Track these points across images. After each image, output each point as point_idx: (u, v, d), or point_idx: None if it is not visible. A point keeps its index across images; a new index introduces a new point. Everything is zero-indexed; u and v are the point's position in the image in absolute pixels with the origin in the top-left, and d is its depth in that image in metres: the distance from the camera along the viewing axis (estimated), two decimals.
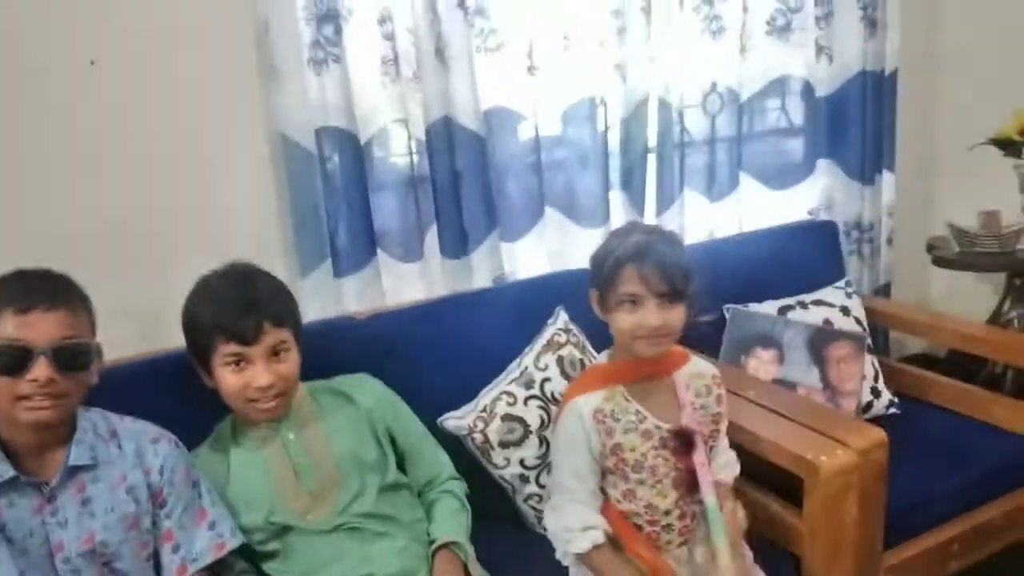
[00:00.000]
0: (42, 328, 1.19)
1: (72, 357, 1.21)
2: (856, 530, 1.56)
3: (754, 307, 2.12)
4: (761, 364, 2.04)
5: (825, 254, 2.35)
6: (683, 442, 1.42)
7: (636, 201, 2.19)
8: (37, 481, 1.23)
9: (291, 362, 1.41)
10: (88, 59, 1.65)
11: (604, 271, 1.43)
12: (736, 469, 1.56)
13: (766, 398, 1.77)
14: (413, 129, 1.91)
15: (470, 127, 1.93)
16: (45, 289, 1.22)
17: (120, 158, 1.70)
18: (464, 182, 1.95)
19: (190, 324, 1.41)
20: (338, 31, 1.78)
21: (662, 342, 1.41)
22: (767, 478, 1.65)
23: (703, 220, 2.36)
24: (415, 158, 1.94)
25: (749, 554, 1.51)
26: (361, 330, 1.78)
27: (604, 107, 2.14)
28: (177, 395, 1.49)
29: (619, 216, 2.19)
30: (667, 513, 1.43)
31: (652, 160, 2.22)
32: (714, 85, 2.30)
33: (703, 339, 2.04)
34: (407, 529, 1.48)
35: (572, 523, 1.42)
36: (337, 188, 1.84)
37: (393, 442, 1.56)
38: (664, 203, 2.25)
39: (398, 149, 1.93)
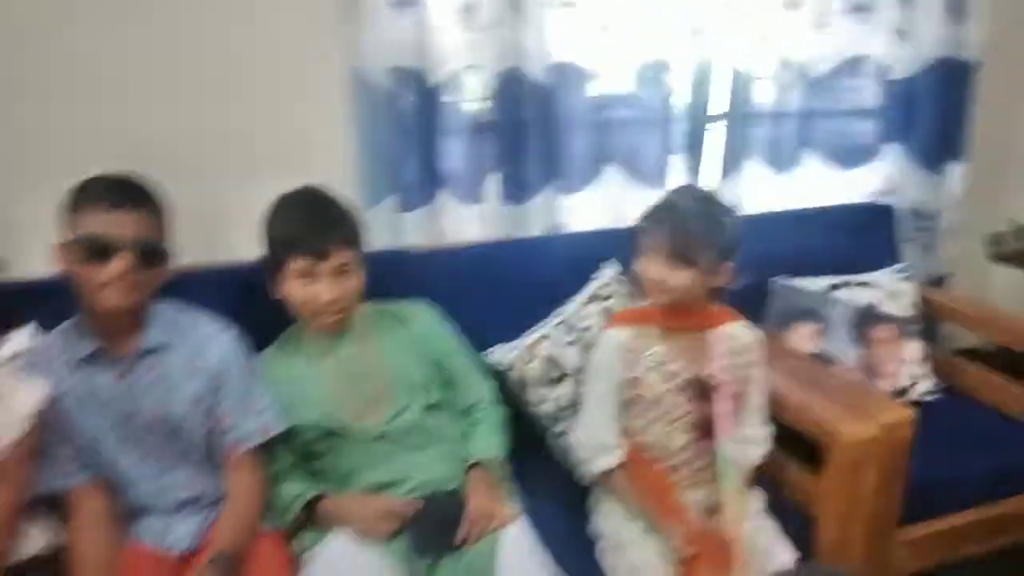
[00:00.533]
0: (125, 226, 1.34)
1: (149, 254, 1.37)
2: (872, 500, 1.62)
3: (802, 282, 2.15)
4: (802, 337, 2.07)
5: (881, 238, 2.36)
6: (702, 390, 1.49)
7: (696, 166, 2.23)
8: (118, 357, 1.40)
9: (354, 281, 1.52)
10: None
11: (638, 224, 1.52)
12: (762, 449, 1.61)
13: (801, 369, 1.82)
14: (484, 76, 1.98)
15: (538, 79, 1.99)
16: (130, 192, 1.38)
17: (201, 82, 1.81)
18: (529, 132, 2.02)
19: (267, 238, 1.52)
20: None
21: (660, 296, 1.52)
22: (795, 444, 1.71)
23: (763, 192, 2.37)
24: (483, 104, 2.01)
25: (757, 504, 1.58)
26: (418, 262, 1.88)
27: (672, 71, 2.16)
28: (239, 302, 1.61)
29: (678, 179, 2.23)
30: (678, 452, 1.51)
31: (716, 127, 2.25)
32: (786, 59, 2.30)
33: (746, 307, 2.10)
34: (445, 445, 1.58)
35: (590, 444, 1.52)
36: (407, 127, 1.92)
37: (441, 367, 1.66)
38: (725, 171, 2.28)
39: (467, 95, 1.99)
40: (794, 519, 1.64)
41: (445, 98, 1.97)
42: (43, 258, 1.38)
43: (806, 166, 2.40)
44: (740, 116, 2.25)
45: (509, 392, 1.81)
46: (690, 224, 1.49)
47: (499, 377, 1.80)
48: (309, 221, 1.48)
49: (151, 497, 1.45)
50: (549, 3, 1.96)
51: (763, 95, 2.32)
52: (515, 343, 1.84)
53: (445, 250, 1.96)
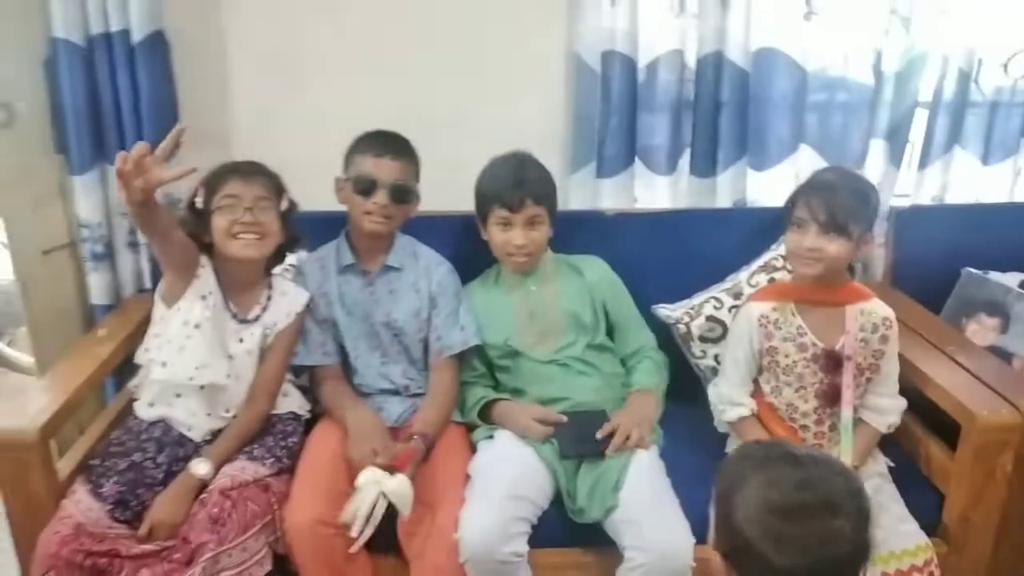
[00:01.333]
0: (387, 170, 1.81)
1: (402, 194, 1.83)
2: (1008, 488, 1.67)
3: (994, 275, 2.14)
4: (982, 329, 2.09)
5: None
6: (833, 362, 1.65)
7: (896, 153, 2.27)
8: (366, 269, 1.89)
9: (542, 232, 1.86)
10: None
11: (790, 199, 1.70)
12: (891, 420, 1.74)
13: (962, 355, 1.87)
14: (687, 59, 2.20)
15: (738, 63, 2.16)
16: (393, 144, 1.84)
17: (449, 61, 2.21)
18: (724, 111, 2.21)
19: (477, 191, 1.90)
20: None
21: (814, 265, 1.66)
22: (943, 423, 1.79)
23: (970, 182, 2.36)
24: (685, 85, 2.22)
25: (878, 468, 1.71)
26: (609, 224, 2.16)
27: (880, 56, 2.22)
28: (457, 242, 2.02)
29: (876, 163, 2.29)
30: (805, 415, 1.68)
31: (923, 114, 2.27)
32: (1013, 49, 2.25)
33: (930, 296, 2.16)
34: (605, 378, 1.89)
35: (724, 398, 1.74)
36: (612, 103, 2.19)
37: (608, 313, 1.95)
38: (928, 159, 2.31)
39: (671, 75, 2.22)
40: (921, 492, 1.75)
41: (649, 78, 2.21)
42: (319, 198, 1.85)
43: (1020, 158, 2.34)
44: (945, 104, 2.26)
45: (675, 344, 2.06)
46: (842, 195, 1.65)
47: (666, 330, 2.06)
48: (510, 180, 1.83)
49: (373, 381, 1.91)
50: None
51: (983, 83, 2.30)
52: (684, 302, 2.08)
53: (633, 213, 2.23)
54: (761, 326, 1.71)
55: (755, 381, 1.78)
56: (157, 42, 2.06)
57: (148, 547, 1.57)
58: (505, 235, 1.85)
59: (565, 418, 1.78)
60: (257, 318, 1.81)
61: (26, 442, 1.56)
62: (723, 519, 1.05)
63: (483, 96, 2.24)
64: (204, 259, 1.77)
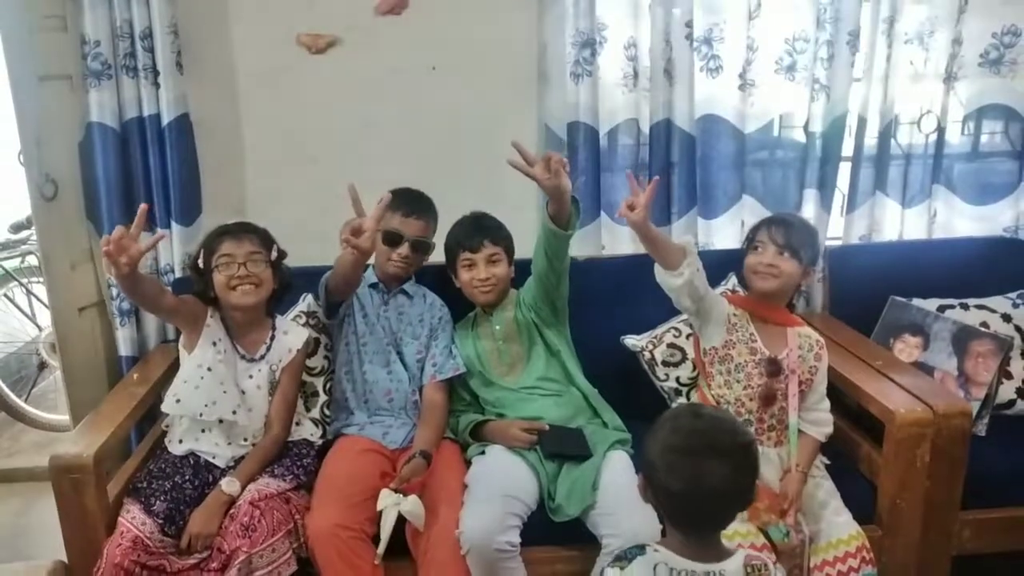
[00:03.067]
0: (411, 227, 2.17)
1: (421, 248, 2.19)
2: (928, 476, 1.96)
3: (917, 301, 2.47)
4: (906, 347, 2.40)
5: (1007, 269, 2.57)
6: (774, 368, 1.95)
7: (826, 200, 2.62)
8: (386, 291, 2.22)
9: (502, 268, 2.18)
10: (430, 66, 2.53)
11: (751, 231, 2.08)
12: (826, 430, 2.02)
13: (887, 368, 2.18)
14: (641, 126, 2.55)
15: (685, 128, 2.52)
16: (418, 205, 2.19)
17: (442, 139, 2.57)
18: (676, 169, 2.56)
19: (446, 246, 2.25)
20: (594, 53, 2.47)
21: (771, 280, 1.98)
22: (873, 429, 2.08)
23: (893, 224, 2.71)
24: (641, 148, 2.57)
25: (820, 468, 2.00)
26: (581, 268, 2.42)
27: (808, 119, 2.59)
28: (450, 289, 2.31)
29: (810, 210, 2.63)
30: (750, 412, 1.97)
31: (846, 167, 2.63)
32: (922, 108, 2.64)
33: (861, 321, 2.48)
34: (569, 396, 2.20)
35: None
36: (579, 166, 2.53)
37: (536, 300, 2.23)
38: (854, 204, 2.66)
39: (628, 140, 2.57)
40: (859, 486, 2.03)
41: (610, 144, 2.57)
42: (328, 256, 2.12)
43: (936, 200, 2.70)
44: (864, 157, 2.62)
45: (641, 370, 2.35)
46: (796, 227, 2.02)
47: (633, 358, 2.35)
48: (469, 228, 2.20)
49: (379, 398, 2.18)
50: (696, 69, 2.49)
51: (895, 140, 2.67)
52: (648, 332, 2.38)
53: (601, 259, 2.55)
54: (728, 320, 2.01)
55: (699, 376, 2.10)
56: (183, 124, 2.39)
57: (189, 561, 1.82)
58: (470, 273, 2.18)
59: (547, 426, 2.06)
60: (263, 356, 2.09)
61: (83, 465, 1.81)
62: (644, 451, 1.38)
63: (469, 163, 2.58)
64: (211, 310, 2.05)
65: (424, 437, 2.06)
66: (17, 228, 3.34)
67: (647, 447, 1.37)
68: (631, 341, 2.37)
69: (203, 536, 1.83)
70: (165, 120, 2.35)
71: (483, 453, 2.06)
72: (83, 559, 1.82)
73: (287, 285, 2.13)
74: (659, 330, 2.37)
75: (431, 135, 2.57)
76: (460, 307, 2.30)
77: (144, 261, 2.35)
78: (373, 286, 2.24)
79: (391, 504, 1.83)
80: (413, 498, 1.85)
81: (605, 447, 2.02)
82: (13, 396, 3.36)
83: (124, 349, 2.47)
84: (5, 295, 3.35)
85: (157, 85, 2.33)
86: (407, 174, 2.34)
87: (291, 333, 2.14)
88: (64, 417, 3.12)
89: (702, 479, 1.28)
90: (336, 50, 2.51)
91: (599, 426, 2.15)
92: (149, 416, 2.23)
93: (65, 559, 1.88)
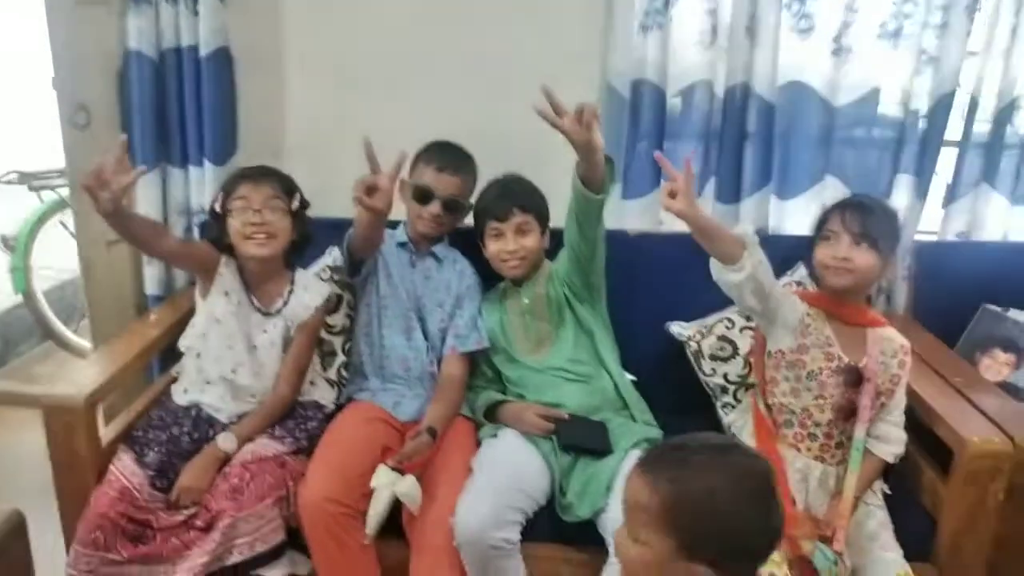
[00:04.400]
0: (443, 184, 1.99)
1: (454, 207, 2.02)
2: (1000, 516, 1.69)
3: (1014, 312, 2.15)
4: (995, 364, 2.10)
5: None
6: (853, 378, 1.70)
7: (922, 187, 2.30)
8: (414, 251, 2.07)
9: (532, 239, 1.98)
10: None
11: (821, 216, 1.79)
12: (897, 450, 1.77)
13: (967, 387, 1.89)
14: (715, 90, 2.29)
15: (765, 96, 2.24)
16: (453, 160, 2.02)
17: (496, 85, 2.35)
18: (751, 141, 2.28)
19: (474, 211, 2.06)
20: (667, 4, 2.21)
21: (845, 275, 1.70)
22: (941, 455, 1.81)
23: (997, 222, 2.37)
24: (713, 115, 2.31)
25: (876, 495, 1.75)
26: (632, 243, 2.25)
27: (909, 94, 2.27)
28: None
29: (901, 196, 2.32)
30: (818, 425, 1.73)
31: (949, 153, 2.31)
32: None
33: (946, 329, 2.19)
34: (595, 387, 2.00)
35: None
36: (640, 130, 2.30)
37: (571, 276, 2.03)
38: (954, 195, 2.33)
39: (698, 105, 2.31)
40: (917, 518, 1.77)
41: (677, 107, 2.31)
42: None
43: None
44: (981, 144, 2.29)
45: (685, 361, 2.13)
46: (875, 212, 1.72)
47: (678, 347, 2.13)
48: (497, 193, 2.00)
49: (396, 365, 2.04)
50: (783, 28, 2.20)
51: (1012, 126, 2.32)
52: (697, 321, 2.15)
53: (656, 235, 2.32)
54: (801, 321, 1.76)
55: (753, 378, 1.85)
56: (222, 57, 2.26)
57: (177, 517, 1.72)
58: (497, 244, 1.99)
59: (567, 415, 1.87)
60: (279, 311, 1.96)
61: (74, 407, 1.73)
62: (694, 501, 1.08)
63: (522, 117, 2.36)
64: (225, 259, 1.92)
65: (435, 413, 1.90)
66: None
67: (700, 498, 1.08)
68: (677, 329, 2.15)
69: (192, 490, 1.73)
70: (203, 52, 2.23)
71: (495, 436, 1.90)
72: (72, 505, 1.75)
73: (307, 237, 1.98)
74: (710, 320, 2.14)
75: (484, 83, 2.37)
76: (493, 275, 2.11)
77: (174, 204, 2.27)
78: (402, 245, 2.08)
79: (386, 483, 1.70)
80: (410, 479, 1.71)
81: (628, 444, 1.82)
82: (59, 324, 3.38)
83: (150, 287, 2.39)
84: (61, 222, 3.35)
85: (196, 14, 2.21)
86: (454, 125, 2.15)
87: (311, 289, 2.00)
88: None
89: (775, 517, 1.10)
90: None
91: (626, 419, 1.95)
92: (166, 360, 2.15)
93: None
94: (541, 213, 2.02)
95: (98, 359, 1.93)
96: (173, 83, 2.27)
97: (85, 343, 3.35)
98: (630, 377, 2.04)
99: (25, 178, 3.27)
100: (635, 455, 1.75)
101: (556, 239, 2.04)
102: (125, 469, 1.74)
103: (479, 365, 2.07)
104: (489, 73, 2.37)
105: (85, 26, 2.21)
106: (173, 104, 2.29)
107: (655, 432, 1.91)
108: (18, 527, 1.62)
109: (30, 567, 1.68)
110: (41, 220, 3.33)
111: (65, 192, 3.18)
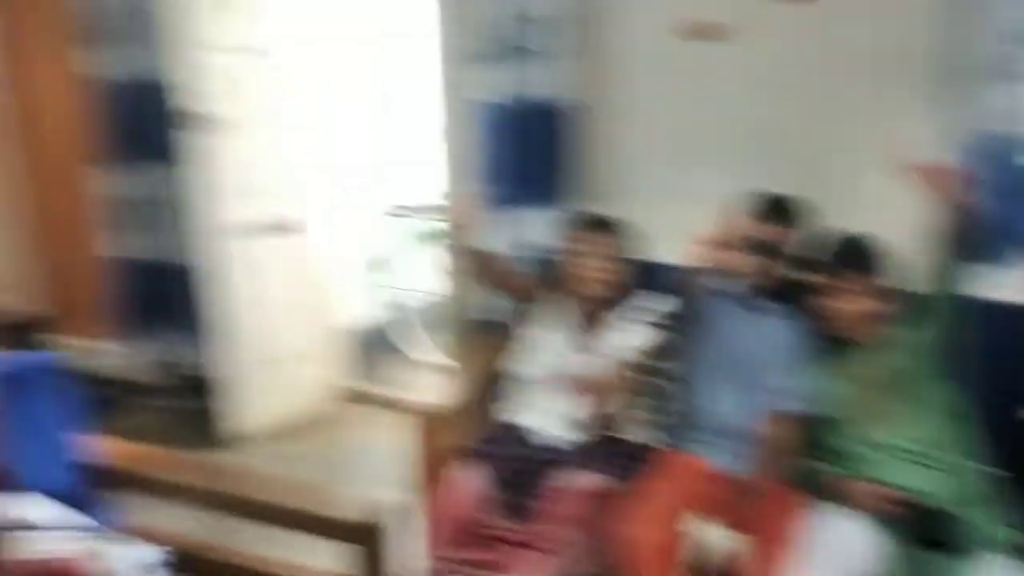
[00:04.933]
0: (769, 233, 2.01)
1: (778, 255, 2.01)
2: None
3: None
4: None
5: None
6: None
7: None
8: (745, 304, 2.06)
9: (876, 301, 1.86)
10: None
11: None
12: None
13: None
14: None
15: None
16: (781, 209, 2.04)
17: (823, 138, 2.30)
18: None
19: (814, 265, 1.94)
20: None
21: None
22: None
23: None
24: None
25: None
26: (991, 312, 1.97)
27: None
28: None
29: None
30: None
31: None
32: None
33: None
34: (950, 471, 1.82)
35: None
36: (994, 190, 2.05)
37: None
38: None
39: None
40: None
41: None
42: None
43: None
44: None
45: None
46: None
47: None
48: (844, 253, 1.90)
49: (720, 419, 2.02)
50: None
51: None
52: None
53: (1007, 306, 2.04)
54: None
55: None
56: (564, 108, 2.46)
57: (517, 532, 1.89)
58: (839, 304, 1.88)
59: (913, 501, 1.74)
60: (605, 349, 2.09)
61: (444, 415, 2.02)
62: None
63: (857, 173, 2.26)
64: (559, 296, 2.12)
65: (760, 473, 1.89)
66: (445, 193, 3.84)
67: None
68: None
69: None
70: (548, 102, 2.44)
71: (824, 511, 1.81)
72: (429, 505, 1.99)
73: (635, 281, 2.11)
74: None
75: (817, 138, 2.32)
76: (830, 334, 1.99)
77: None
78: (731, 296, 2.07)
79: (716, 539, 1.74)
80: (733, 535, 1.73)
81: (989, 548, 1.64)
82: (418, 339, 3.85)
83: (494, 314, 2.64)
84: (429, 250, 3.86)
85: (548, 69, 2.42)
86: (787, 180, 2.14)
87: (636, 331, 2.10)
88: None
89: None
90: (729, 40, 2.35)
91: (983, 517, 1.74)
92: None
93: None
94: (888, 276, 1.90)
95: (459, 373, 2.19)
96: (525, 131, 2.50)
97: (437, 358, 3.79)
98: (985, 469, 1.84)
99: (402, 211, 3.81)
100: (991, 562, 1.61)
101: (907, 304, 1.90)
102: (477, 478, 1.96)
103: (805, 432, 1.97)
104: (822, 133, 2.32)
105: (461, 79, 2.54)
106: (523, 150, 2.52)
107: (1015, 535, 1.70)
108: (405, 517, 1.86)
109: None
110: (408, 248, 3.86)
111: (432, 224, 3.70)
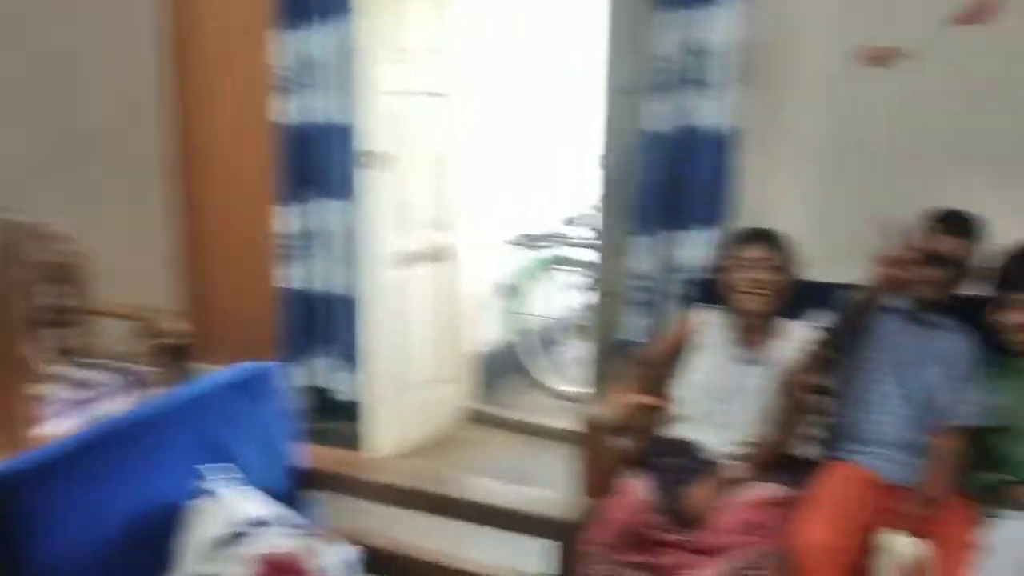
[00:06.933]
0: (946, 244, 2.00)
1: (958, 270, 2.01)
2: None
3: None
4: None
5: None
6: None
7: None
8: (913, 317, 2.07)
9: None
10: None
11: None
12: None
13: None
14: None
15: None
16: (960, 222, 2.02)
17: (991, 162, 2.32)
18: None
19: (1001, 271, 1.95)
20: None
21: None
22: None
23: None
24: None
25: None
26: None
27: None
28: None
29: None
30: None
31: None
32: None
33: None
34: None
35: None
36: None
37: None
38: None
39: None
40: None
41: None
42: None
43: None
44: None
45: None
46: None
47: None
48: None
49: (885, 431, 2.03)
50: None
51: None
52: None
53: None
54: None
55: None
56: (729, 135, 2.51)
57: (680, 536, 1.91)
58: (1016, 318, 1.88)
59: None
60: (767, 358, 2.13)
61: (607, 426, 2.07)
62: None
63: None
64: (715, 314, 2.20)
65: (933, 484, 1.89)
66: (567, 222, 3.94)
67: None
68: None
69: (699, 507, 1.93)
70: (710, 130, 2.51)
71: (1000, 517, 1.79)
72: (592, 514, 2.02)
73: (795, 294, 2.15)
74: None
75: (991, 153, 2.33)
76: (999, 346, 1.99)
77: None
78: (899, 310, 2.09)
79: (901, 545, 1.74)
80: (921, 543, 1.73)
81: None
82: (542, 362, 3.94)
83: (634, 334, 2.72)
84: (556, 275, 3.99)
85: (712, 99, 2.49)
86: (956, 198, 2.12)
87: (796, 342, 2.13)
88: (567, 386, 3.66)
89: None
90: (902, 64, 2.38)
91: None
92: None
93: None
94: None
95: (615, 393, 2.25)
96: (687, 159, 2.57)
97: (556, 381, 3.87)
98: None
99: (529, 240, 3.93)
100: None
101: None
102: (638, 486, 2.00)
103: (979, 444, 1.96)
104: (992, 156, 2.32)
105: (622, 111, 2.65)
106: (678, 176, 2.60)
107: None
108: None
109: None
110: (533, 274, 3.96)
111: (554, 252, 3.82)
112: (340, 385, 3.32)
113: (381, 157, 3.11)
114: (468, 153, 3.53)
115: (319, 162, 3.17)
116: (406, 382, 3.39)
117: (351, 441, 3.26)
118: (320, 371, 3.38)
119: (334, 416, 3.38)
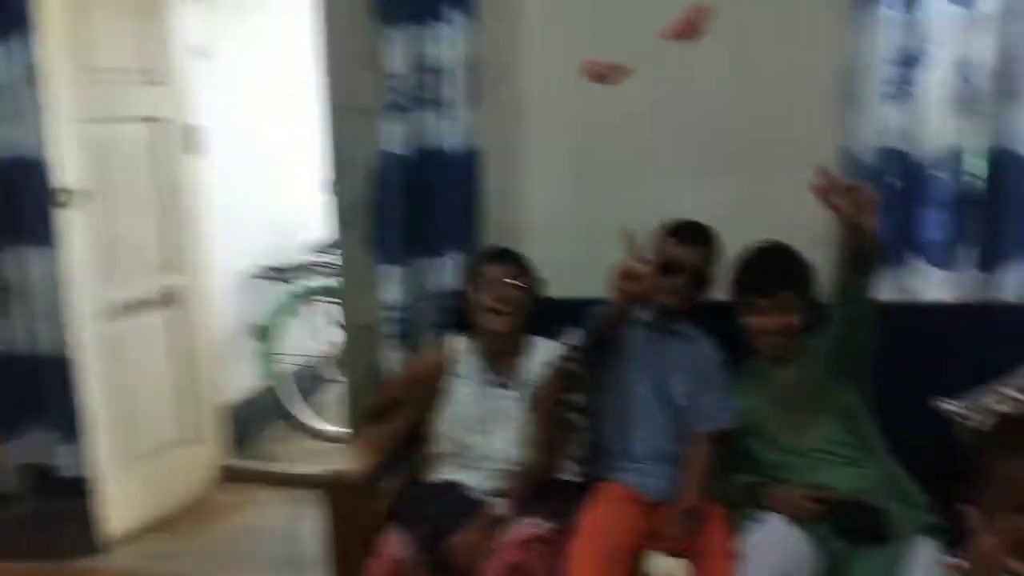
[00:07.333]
0: (689, 256, 2.00)
1: (699, 279, 2.02)
2: None
3: None
4: None
5: None
6: None
7: None
8: (656, 328, 2.05)
9: (795, 317, 1.91)
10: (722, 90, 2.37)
11: None
12: None
13: None
14: (969, 156, 2.18)
15: None
16: (697, 232, 2.04)
17: (726, 160, 2.38)
18: (1011, 207, 2.15)
19: (733, 281, 1.99)
20: (914, 71, 2.15)
21: None
22: None
23: None
24: (966, 182, 2.20)
25: None
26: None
27: None
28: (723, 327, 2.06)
29: None
30: None
31: None
32: None
33: None
34: (872, 467, 1.88)
35: None
36: (889, 200, 2.18)
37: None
38: None
39: (948, 172, 2.20)
40: None
41: (925, 175, 2.21)
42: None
43: None
44: None
45: (955, 438, 1.97)
46: None
47: (947, 424, 1.98)
48: (764, 267, 1.94)
49: (641, 445, 2.01)
50: None
51: None
52: (970, 396, 1.99)
53: (911, 305, 2.21)
54: None
55: None
56: (472, 156, 2.41)
57: None
58: (759, 320, 1.92)
59: (837, 495, 1.77)
60: (518, 382, 2.05)
61: (355, 484, 1.85)
62: None
63: (761, 193, 2.33)
64: (464, 341, 2.12)
65: (691, 495, 1.87)
66: (316, 249, 3.64)
67: None
68: (948, 406, 1.99)
69: (471, 558, 1.79)
70: (453, 151, 2.39)
71: (756, 520, 1.80)
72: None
73: (546, 312, 2.08)
74: (982, 394, 1.98)
75: (720, 161, 2.39)
76: (743, 349, 2.03)
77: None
78: (642, 322, 2.06)
79: (665, 568, 1.71)
80: (682, 563, 1.68)
81: (912, 531, 1.69)
82: (300, 407, 3.64)
83: (392, 369, 2.52)
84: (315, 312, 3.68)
85: (450, 118, 2.37)
86: (694, 204, 2.17)
87: (542, 360, 2.06)
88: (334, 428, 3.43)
89: None
90: (628, 78, 2.37)
91: (903, 505, 1.80)
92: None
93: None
94: (808, 289, 1.95)
95: (363, 439, 2.05)
96: (425, 180, 2.43)
97: (322, 424, 3.58)
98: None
99: (276, 272, 3.60)
100: (923, 545, 1.64)
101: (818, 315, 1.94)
102: (395, 543, 1.81)
103: (728, 446, 1.98)
104: (725, 155, 2.39)
105: (350, 131, 2.46)
106: (423, 200, 2.44)
107: (933, 520, 1.76)
108: None
109: None
110: (287, 311, 3.64)
111: (307, 284, 3.52)
112: (61, 460, 2.88)
113: (81, 194, 2.71)
114: (200, 184, 3.18)
115: (10, 203, 2.71)
116: (141, 448, 2.98)
117: (83, 522, 2.83)
118: (35, 446, 2.92)
119: (60, 496, 2.94)
